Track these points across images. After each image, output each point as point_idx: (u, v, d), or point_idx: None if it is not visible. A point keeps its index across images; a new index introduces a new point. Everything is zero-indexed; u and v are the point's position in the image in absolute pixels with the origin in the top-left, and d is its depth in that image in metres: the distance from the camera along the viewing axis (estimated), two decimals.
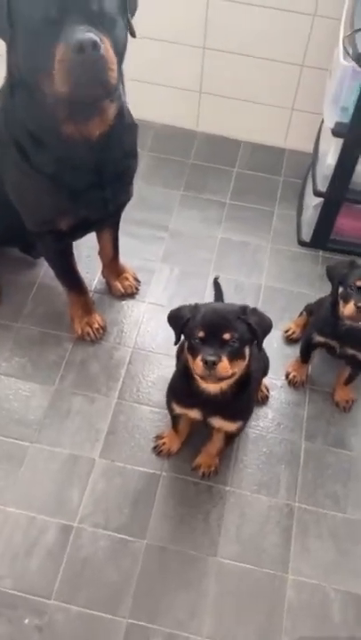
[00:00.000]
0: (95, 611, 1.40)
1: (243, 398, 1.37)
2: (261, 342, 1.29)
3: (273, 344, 1.85)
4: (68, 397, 1.73)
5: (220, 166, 2.38)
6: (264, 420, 1.72)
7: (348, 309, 1.46)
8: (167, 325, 1.88)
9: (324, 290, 1.95)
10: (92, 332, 1.83)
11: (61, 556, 1.47)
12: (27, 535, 1.49)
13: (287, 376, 1.79)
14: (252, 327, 1.24)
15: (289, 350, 1.86)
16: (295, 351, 1.84)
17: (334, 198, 1.94)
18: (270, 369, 1.70)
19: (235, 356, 1.21)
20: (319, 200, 1.99)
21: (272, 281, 2.04)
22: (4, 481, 1.57)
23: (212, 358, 1.18)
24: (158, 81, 2.35)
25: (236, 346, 1.21)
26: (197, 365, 1.20)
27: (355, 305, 1.44)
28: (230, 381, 1.28)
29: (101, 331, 1.84)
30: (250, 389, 1.39)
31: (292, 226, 2.21)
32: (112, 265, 1.92)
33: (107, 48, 1.15)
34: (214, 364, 1.18)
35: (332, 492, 1.60)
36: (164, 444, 1.62)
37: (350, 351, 1.61)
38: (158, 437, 1.63)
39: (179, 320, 1.28)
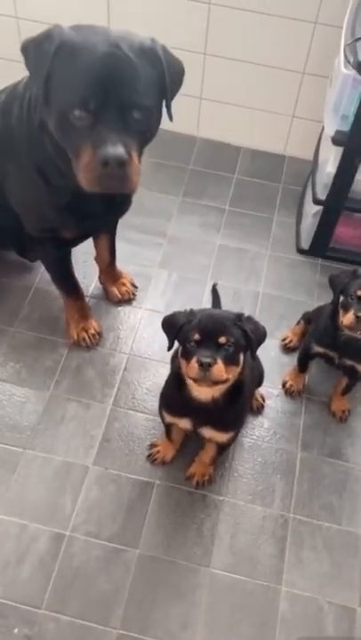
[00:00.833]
0: (86, 621, 1.38)
1: (234, 408, 1.36)
2: (255, 350, 1.28)
3: (270, 352, 1.83)
4: (63, 403, 1.71)
5: (220, 172, 2.38)
6: (260, 430, 1.70)
7: (347, 319, 1.45)
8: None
9: (323, 298, 1.95)
10: (87, 338, 1.81)
11: (53, 565, 1.45)
12: (18, 543, 1.47)
13: (284, 385, 1.78)
14: (247, 334, 1.23)
15: (286, 359, 1.85)
16: (292, 360, 1.83)
17: (334, 206, 1.93)
18: (266, 377, 1.68)
19: (229, 360, 1.20)
20: (318, 208, 1.98)
21: (270, 288, 2.03)
22: None
23: (207, 360, 1.17)
24: None
25: (231, 350, 1.20)
26: (192, 368, 1.19)
27: (354, 314, 1.43)
28: (223, 388, 1.27)
29: (97, 336, 1.83)
30: (242, 399, 1.37)
31: (292, 233, 2.20)
32: (109, 270, 1.91)
33: (133, 161, 1.16)
34: (210, 365, 1.17)
35: (328, 503, 1.59)
36: (158, 452, 1.60)
37: (349, 362, 1.60)
38: (152, 445, 1.61)
39: (173, 326, 1.27)
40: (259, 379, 1.62)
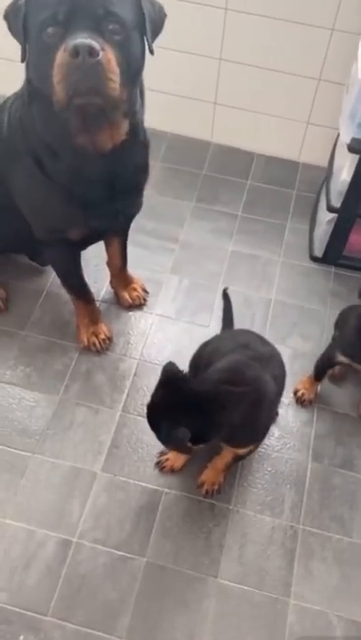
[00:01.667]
0: (92, 629, 1.37)
1: (252, 423, 1.35)
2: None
3: None
4: (72, 408, 1.71)
5: (233, 178, 2.37)
6: (270, 439, 1.68)
7: None
8: (174, 338, 1.88)
9: (336, 306, 1.94)
10: (98, 343, 1.80)
11: (60, 572, 1.44)
12: (25, 549, 1.47)
13: (296, 393, 1.76)
14: None
15: (297, 367, 1.83)
16: (303, 369, 1.81)
17: (348, 215, 1.91)
18: None
19: None
20: (332, 216, 1.97)
21: (282, 295, 2.01)
22: (4, 492, 1.55)
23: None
24: (173, 91, 2.34)
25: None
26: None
27: None
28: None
29: (107, 341, 1.82)
30: (260, 413, 1.36)
31: (305, 240, 2.18)
32: (120, 275, 1.90)
33: (108, 57, 1.13)
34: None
35: (338, 514, 1.57)
36: (167, 459, 1.59)
37: None
38: (162, 453, 1.60)
39: None
40: (279, 390, 1.58)
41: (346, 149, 1.76)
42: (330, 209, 1.93)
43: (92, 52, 1.10)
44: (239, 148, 2.45)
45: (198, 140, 2.46)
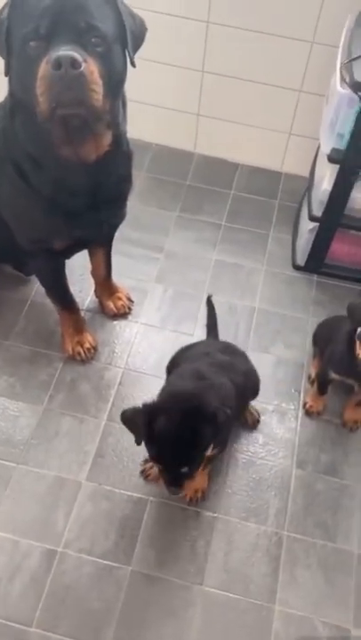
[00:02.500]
0: None
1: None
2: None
3: (265, 369, 1.82)
4: (57, 418, 1.71)
5: (217, 188, 2.39)
6: (254, 446, 1.69)
7: None
8: (159, 346, 1.89)
9: (318, 314, 1.96)
10: (82, 352, 1.81)
11: (44, 582, 1.43)
12: (10, 559, 1.46)
13: (304, 405, 1.77)
14: (218, 426, 1.24)
15: (281, 374, 1.85)
16: (287, 376, 1.83)
17: (329, 223, 1.94)
18: (261, 393, 1.68)
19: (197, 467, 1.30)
20: (314, 225, 1.99)
21: (266, 304, 2.03)
22: None
23: (174, 491, 1.31)
24: (157, 103, 2.37)
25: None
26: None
27: None
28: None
29: (92, 350, 1.83)
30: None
31: (288, 249, 2.20)
32: (105, 284, 1.91)
33: (90, 69, 1.14)
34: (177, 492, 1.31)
35: (322, 520, 1.58)
36: (151, 467, 1.59)
37: None
38: (146, 461, 1.60)
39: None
40: (253, 389, 1.61)
41: (326, 160, 1.78)
42: (311, 218, 1.96)
43: (74, 63, 1.12)
44: (223, 159, 2.47)
45: (182, 151, 2.49)
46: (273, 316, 2.00)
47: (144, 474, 1.59)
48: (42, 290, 1.84)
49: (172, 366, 1.59)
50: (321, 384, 1.71)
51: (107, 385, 1.79)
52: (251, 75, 2.20)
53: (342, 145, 1.72)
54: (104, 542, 1.50)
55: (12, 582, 1.43)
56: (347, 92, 1.62)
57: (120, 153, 1.41)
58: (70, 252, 1.65)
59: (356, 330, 1.49)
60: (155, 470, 1.59)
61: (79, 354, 1.81)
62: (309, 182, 2.08)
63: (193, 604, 1.43)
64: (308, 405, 1.76)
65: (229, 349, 1.61)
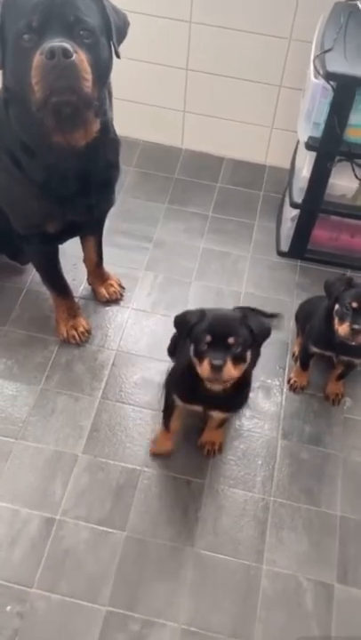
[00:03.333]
0: (76, 599, 1.44)
1: (241, 392, 1.47)
2: (260, 345, 1.37)
3: None
4: (53, 397, 1.79)
5: (204, 181, 2.49)
6: (241, 419, 1.78)
7: (342, 330, 1.52)
8: (150, 330, 1.97)
9: (302, 297, 2.05)
10: (77, 335, 1.90)
11: (44, 547, 1.51)
12: (11, 527, 1.54)
13: (289, 381, 1.86)
14: (253, 332, 1.31)
15: (267, 354, 1.90)
16: (273, 355, 1.93)
17: (310, 209, 2.04)
18: None
19: (238, 359, 1.29)
20: (297, 212, 2.09)
21: (252, 288, 2.12)
22: None
23: (218, 362, 1.26)
24: (144, 101, 2.47)
25: (239, 350, 1.28)
26: (205, 369, 1.28)
27: (350, 327, 1.50)
28: (232, 381, 1.35)
29: (86, 334, 1.92)
30: (248, 383, 1.49)
31: (272, 237, 2.30)
32: (97, 272, 2.00)
33: (80, 58, 1.24)
34: (221, 367, 1.26)
35: (307, 487, 1.66)
36: (154, 440, 1.69)
37: (345, 358, 1.70)
38: (153, 442, 1.69)
39: (185, 324, 1.35)
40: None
41: (304, 148, 1.88)
42: (293, 205, 2.05)
43: (66, 53, 1.21)
44: (209, 153, 2.58)
45: (170, 147, 2.59)
46: (258, 300, 2.09)
47: (151, 452, 1.69)
48: (37, 278, 1.94)
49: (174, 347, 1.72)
50: (303, 359, 1.80)
51: (100, 366, 1.88)
52: (233, 71, 2.30)
53: (318, 133, 1.82)
54: (100, 510, 1.58)
55: (13, 548, 1.51)
56: (320, 82, 1.72)
57: (108, 140, 1.51)
58: (63, 237, 1.74)
59: (333, 306, 1.58)
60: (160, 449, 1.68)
61: (73, 337, 1.90)
62: (290, 171, 2.18)
63: (185, 565, 1.52)
64: (292, 381, 1.85)
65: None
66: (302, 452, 1.73)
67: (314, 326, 1.70)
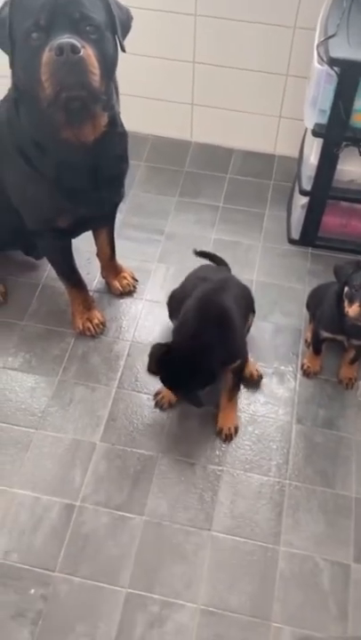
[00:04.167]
0: (96, 581, 1.48)
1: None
2: None
3: (264, 334, 1.95)
4: (71, 387, 1.83)
5: (214, 173, 2.51)
6: (255, 405, 1.81)
7: (353, 310, 1.54)
8: (163, 320, 2.00)
9: (313, 284, 2.06)
10: (92, 328, 1.94)
11: (64, 533, 1.56)
12: (32, 514, 1.59)
13: (302, 367, 1.87)
14: None
15: (279, 340, 1.96)
16: (285, 341, 1.94)
17: (319, 196, 2.05)
18: (261, 357, 1.85)
19: None
20: (306, 199, 2.10)
21: (263, 276, 2.14)
22: (10, 465, 1.67)
23: None
24: (153, 95, 2.50)
25: None
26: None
27: (360, 307, 1.52)
28: None
29: (101, 326, 1.96)
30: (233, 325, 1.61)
31: (283, 226, 2.32)
32: (110, 265, 2.04)
33: (88, 53, 1.28)
34: None
35: (322, 469, 1.68)
36: (162, 397, 1.76)
37: (356, 342, 1.71)
38: (156, 394, 1.77)
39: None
40: (249, 304, 1.83)
41: (311, 135, 1.90)
42: (302, 192, 2.07)
43: (74, 49, 1.25)
44: (218, 145, 2.60)
45: (179, 140, 2.61)
46: (271, 288, 2.11)
47: (158, 405, 1.77)
48: (52, 274, 1.98)
49: (172, 305, 1.82)
50: (315, 344, 1.82)
51: (116, 356, 1.91)
52: (239, 62, 2.32)
53: (324, 120, 1.83)
54: (118, 495, 1.62)
55: (35, 533, 1.55)
56: (324, 68, 1.73)
57: (116, 133, 1.54)
58: (75, 231, 1.78)
59: (343, 289, 1.60)
60: (166, 399, 1.77)
61: (89, 329, 1.94)
62: (299, 159, 2.19)
63: (203, 547, 1.55)
64: (305, 366, 1.87)
65: (221, 271, 1.86)
66: (316, 436, 1.75)
67: (324, 311, 1.72)
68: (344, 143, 1.86)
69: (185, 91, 2.46)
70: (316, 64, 1.76)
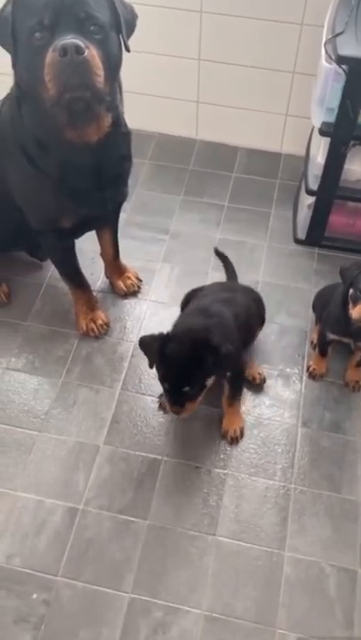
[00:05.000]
0: (99, 586, 1.47)
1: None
2: None
3: (270, 336, 1.92)
4: (74, 389, 1.82)
5: (219, 171, 2.49)
6: (261, 407, 1.79)
7: (356, 312, 1.52)
8: (168, 321, 1.98)
9: (320, 284, 2.04)
10: (96, 328, 1.92)
11: (68, 536, 1.54)
12: (35, 517, 1.57)
13: (308, 369, 1.85)
14: None
15: (285, 341, 1.93)
16: (292, 342, 1.92)
17: (326, 196, 2.02)
18: (266, 359, 1.82)
19: None
20: (313, 199, 2.08)
21: (269, 277, 2.12)
22: (14, 467, 1.66)
23: None
24: (158, 93, 2.47)
25: None
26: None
27: None
28: None
29: (105, 327, 1.94)
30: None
31: (288, 226, 2.29)
32: (114, 265, 2.02)
33: (92, 54, 1.25)
34: None
35: (328, 473, 1.66)
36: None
37: None
38: (160, 396, 1.75)
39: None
40: (259, 316, 1.82)
41: (318, 134, 1.87)
42: (308, 192, 2.04)
43: (78, 49, 1.23)
44: (223, 143, 2.57)
45: (184, 138, 2.59)
46: (276, 288, 2.08)
47: (162, 407, 1.74)
48: (56, 274, 1.96)
49: (185, 304, 1.82)
50: (321, 346, 1.80)
51: (120, 358, 1.90)
52: (245, 60, 2.29)
53: (332, 118, 1.81)
54: (122, 499, 1.60)
55: (38, 537, 1.54)
56: (332, 66, 1.70)
57: (119, 133, 1.52)
58: (79, 231, 1.77)
59: (348, 291, 1.58)
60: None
61: (93, 330, 1.92)
62: (306, 158, 2.16)
63: (207, 552, 1.53)
64: (311, 368, 1.84)
65: (235, 286, 1.86)
66: (322, 440, 1.73)
67: (330, 312, 1.70)
68: (352, 142, 1.83)
69: (190, 88, 2.43)
70: (323, 62, 1.73)
